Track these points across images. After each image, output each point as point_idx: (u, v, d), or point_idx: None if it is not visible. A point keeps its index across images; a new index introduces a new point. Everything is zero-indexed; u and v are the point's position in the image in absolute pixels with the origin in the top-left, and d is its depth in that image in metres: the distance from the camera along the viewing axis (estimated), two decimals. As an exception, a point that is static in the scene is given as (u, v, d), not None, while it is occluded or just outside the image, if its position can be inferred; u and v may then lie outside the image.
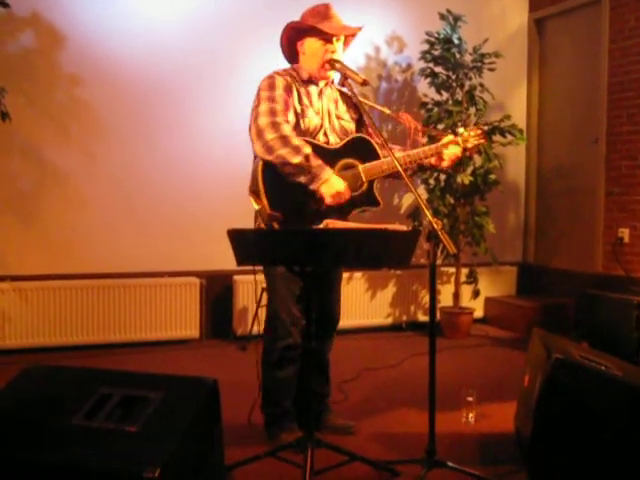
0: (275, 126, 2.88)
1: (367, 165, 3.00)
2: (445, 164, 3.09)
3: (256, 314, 4.94)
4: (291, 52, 3.18)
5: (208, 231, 5.17)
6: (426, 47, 5.63)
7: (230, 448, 2.81)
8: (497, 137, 5.60)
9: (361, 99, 3.14)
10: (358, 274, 5.72)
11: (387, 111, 3.19)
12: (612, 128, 5.71)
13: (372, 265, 4.14)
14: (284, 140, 2.85)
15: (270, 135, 2.86)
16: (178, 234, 5.29)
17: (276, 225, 2.80)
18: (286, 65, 3.22)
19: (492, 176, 5.57)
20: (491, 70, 5.61)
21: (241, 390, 3.45)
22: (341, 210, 2.94)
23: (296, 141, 2.87)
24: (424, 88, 5.86)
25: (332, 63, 3.04)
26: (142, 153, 5.22)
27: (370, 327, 5.78)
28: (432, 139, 3.14)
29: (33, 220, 4.94)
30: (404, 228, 2.54)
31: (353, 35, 3.19)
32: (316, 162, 2.86)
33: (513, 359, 4.79)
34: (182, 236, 5.30)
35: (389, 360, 4.76)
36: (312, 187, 2.86)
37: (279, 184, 2.88)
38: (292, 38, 3.14)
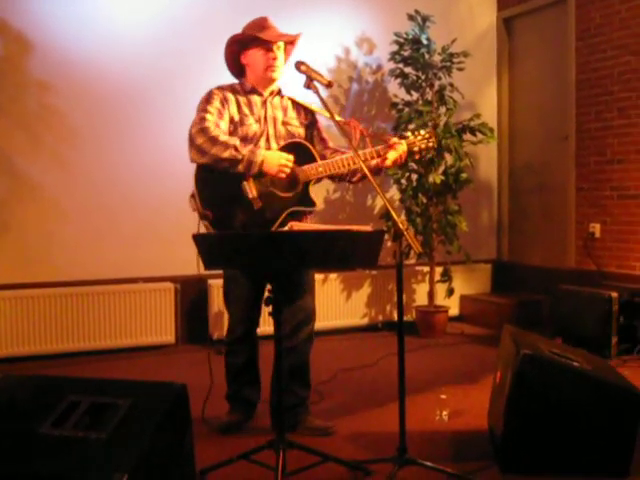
0: (204, 131, 3.09)
1: (303, 167, 3.14)
2: (388, 163, 3.16)
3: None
4: (236, 66, 3.35)
5: (182, 236, 5.10)
6: (395, 48, 5.66)
7: (204, 451, 2.83)
8: (468, 136, 5.65)
9: (308, 104, 3.35)
10: (333, 275, 5.74)
11: (337, 117, 3.24)
12: (581, 125, 5.78)
13: (338, 266, 4.21)
14: (213, 140, 3.06)
15: (200, 139, 3.08)
16: (152, 239, 5.27)
17: (207, 223, 3.06)
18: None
19: (464, 175, 5.61)
20: (460, 70, 5.65)
21: (216, 394, 3.45)
22: (274, 210, 3.11)
23: (223, 137, 3.07)
24: (394, 89, 5.89)
25: (297, 66, 3.07)
26: (115, 158, 5.19)
27: (346, 328, 5.79)
28: (378, 142, 3.23)
29: (6, 229, 4.89)
30: (369, 229, 2.55)
31: (292, 43, 3.36)
32: (246, 149, 3.05)
33: (488, 356, 4.82)
34: (156, 241, 5.28)
35: (365, 360, 4.78)
36: (253, 172, 3.04)
37: (211, 185, 3.11)
38: (235, 53, 3.32)
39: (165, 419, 2.03)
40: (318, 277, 5.60)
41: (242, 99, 3.26)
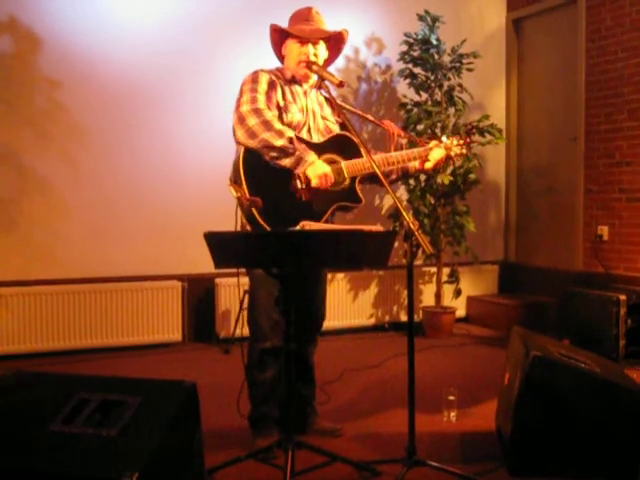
0: (257, 112, 2.91)
1: (350, 162, 3.02)
2: (429, 165, 3.12)
3: (238, 317, 4.94)
4: (280, 54, 3.26)
5: (189, 234, 5.15)
6: (405, 48, 5.66)
7: (212, 451, 2.83)
8: (476, 137, 5.62)
9: (341, 103, 3.20)
10: (340, 275, 5.74)
11: (370, 117, 3.22)
12: (590, 127, 5.76)
13: (349, 266, 4.17)
14: (267, 124, 2.88)
15: (252, 120, 2.89)
16: (160, 238, 5.28)
17: (255, 211, 2.80)
18: (267, 66, 3.26)
19: (472, 176, 5.61)
20: (469, 70, 5.65)
21: (224, 393, 3.45)
22: (322, 203, 2.96)
23: (279, 125, 2.90)
24: (403, 89, 5.89)
25: (309, 65, 3.06)
26: (123, 156, 5.20)
27: (353, 328, 5.79)
28: (413, 145, 3.19)
29: (14, 225, 4.90)
30: (380, 229, 2.55)
31: (340, 40, 3.24)
32: (300, 145, 2.90)
33: (495, 358, 4.81)
34: (164, 240, 5.29)
35: (372, 361, 4.77)
36: (297, 170, 2.88)
37: (260, 172, 2.90)
38: (276, 41, 3.22)
39: (175, 417, 2.02)
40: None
41: (286, 87, 3.13)
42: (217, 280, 5.30)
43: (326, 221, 2.95)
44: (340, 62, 5.88)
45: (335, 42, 3.25)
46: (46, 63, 4.96)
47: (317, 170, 2.88)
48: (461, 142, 3.16)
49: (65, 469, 1.84)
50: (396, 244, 5.47)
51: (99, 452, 1.88)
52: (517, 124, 6.63)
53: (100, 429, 1.95)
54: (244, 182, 2.86)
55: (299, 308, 2.73)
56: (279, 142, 2.85)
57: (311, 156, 2.90)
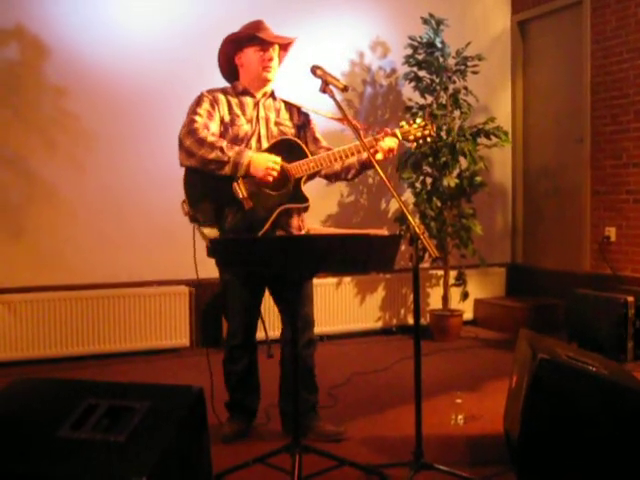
0: (191, 132, 3.10)
1: (293, 164, 3.13)
2: (379, 156, 3.13)
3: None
4: (229, 68, 3.37)
5: (197, 240, 5.15)
6: (409, 52, 5.66)
7: (219, 456, 2.83)
8: (482, 139, 5.64)
9: (300, 105, 3.37)
10: (347, 279, 5.74)
11: (329, 115, 3.27)
12: (596, 128, 5.75)
13: (355, 270, 4.20)
14: (200, 142, 3.06)
15: (188, 141, 3.09)
16: (167, 243, 5.28)
17: (198, 227, 3.12)
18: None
19: (478, 178, 5.61)
20: (474, 73, 5.65)
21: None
22: (266, 208, 3.10)
23: (211, 138, 3.07)
24: (408, 92, 5.89)
25: (313, 69, 3.07)
26: (130, 162, 5.22)
27: (360, 331, 5.79)
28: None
29: (22, 232, 4.93)
30: (385, 233, 2.55)
31: (285, 49, 3.38)
32: (233, 151, 3.05)
33: (503, 360, 4.80)
34: (171, 245, 5.28)
35: (379, 364, 4.77)
36: (239, 175, 3.05)
37: (201, 188, 3.13)
38: (230, 53, 3.34)
39: (183, 422, 2.03)
40: (332, 281, 5.61)
41: (233, 100, 3.27)
42: (224, 285, 5.30)
43: (272, 223, 3.08)
44: (345, 66, 5.89)
45: (280, 50, 3.37)
46: (53, 70, 4.98)
47: (258, 168, 3.05)
48: (422, 124, 3.20)
49: (73, 475, 1.85)
50: (403, 247, 5.49)
51: (107, 458, 1.89)
52: (523, 126, 6.63)
53: (108, 434, 1.96)
54: (187, 200, 3.16)
55: (290, 310, 2.86)
56: (212, 155, 3.03)
57: (246, 157, 3.05)
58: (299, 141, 3.23)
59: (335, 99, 3.06)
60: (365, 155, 3.17)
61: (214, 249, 2.46)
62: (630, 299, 4.68)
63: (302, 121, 3.38)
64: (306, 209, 3.24)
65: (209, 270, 4.88)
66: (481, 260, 5.73)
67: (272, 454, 2.81)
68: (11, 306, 4.77)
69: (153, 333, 5.16)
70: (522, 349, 3.14)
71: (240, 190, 3.06)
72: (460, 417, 3.52)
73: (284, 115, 3.35)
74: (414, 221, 2.53)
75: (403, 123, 3.25)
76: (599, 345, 4.56)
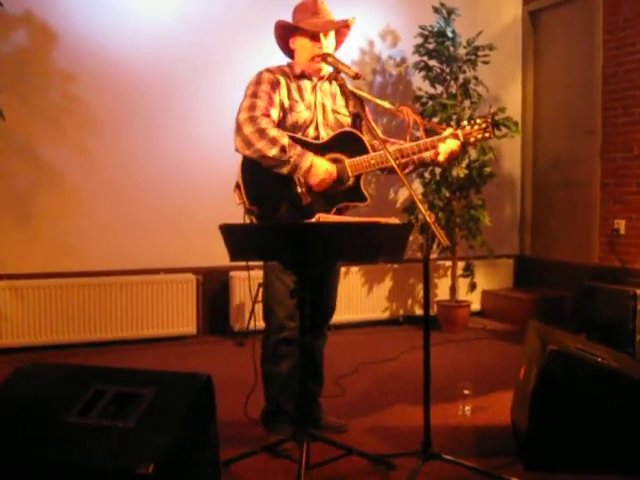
0: (253, 120, 2.90)
1: (354, 160, 2.96)
2: (441, 158, 2.98)
3: (252, 310, 4.94)
4: (287, 49, 3.19)
5: (204, 227, 5.13)
6: (420, 41, 5.63)
7: (227, 443, 2.82)
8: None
9: (357, 91, 3.13)
10: (354, 269, 5.73)
11: (387, 105, 3.11)
12: (607, 120, 5.71)
13: (365, 259, 4.13)
14: (261, 133, 2.87)
15: (248, 129, 2.88)
16: (174, 231, 5.29)
17: (253, 219, 2.88)
18: (282, 59, 3.22)
19: (487, 169, 5.58)
20: (485, 63, 5.61)
21: (238, 385, 3.44)
22: (324, 205, 2.93)
23: (273, 132, 2.88)
24: (418, 82, 5.85)
25: (324, 57, 3.03)
26: (138, 149, 5.21)
27: (367, 321, 5.79)
28: (432, 133, 3.05)
29: (29, 218, 4.93)
30: (397, 221, 2.53)
31: (346, 27, 3.19)
32: (294, 151, 2.87)
33: (510, 352, 4.79)
34: (178, 233, 5.29)
35: (387, 354, 4.76)
36: (297, 176, 2.88)
37: (259, 177, 2.92)
38: (284, 36, 3.15)
39: (190, 409, 2.02)
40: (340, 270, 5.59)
41: (292, 84, 3.08)
42: (232, 273, 5.31)
43: None
44: (355, 55, 5.86)
45: (340, 28, 3.19)
46: (61, 57, 4.97)
47: (315, 175, 2.87)
48: (483, 126, 2.98)
49: (81, 460, 1.85)
50: (410, 238, 5.47)
51: (115, 443, 1.88)
52: (533, 117, 6.59)
53: (116, 420, 1.95)
54: (243, 189, 2.93)
55: (313, 301, 2.71)
56: (272, 152, 2.84)
57: (307, 160, 2.87)
58: (361, 135, 3.04)
59: (347, 88, 3.05)
60: (427, 154, 3.00)
61: (224, 236, 2.42)
62: (639, 292, 4.65)
63: (358, 108, 3.15)
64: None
65: (216, 259, 4.92)
66: (489, 251, 5.70)
67: (280, 442, 2.81)
68: (19, 292, 4.78)
69: (160, 321, 5.16)
70: (531, 341, 3.13)
71: (301, 184, 2.89)
72: (467, 408, 3.51)
73: (340, 102, 3.18)
74: (425, 210, 2.50)
75: (465, 123, 3.03)
76: (607, 338, 4.52)
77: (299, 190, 2.90)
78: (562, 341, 2.94)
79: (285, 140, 2.87)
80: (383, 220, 2.46)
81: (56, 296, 4.88)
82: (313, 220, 2.55)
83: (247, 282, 5.21)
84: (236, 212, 3.10)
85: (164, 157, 5.26)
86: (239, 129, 2.91)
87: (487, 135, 3.01)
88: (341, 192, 2.97)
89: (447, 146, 2.95)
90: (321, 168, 2.89)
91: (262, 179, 2.92)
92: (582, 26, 5.99)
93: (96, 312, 4.98)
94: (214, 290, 5.43)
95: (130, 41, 5.13)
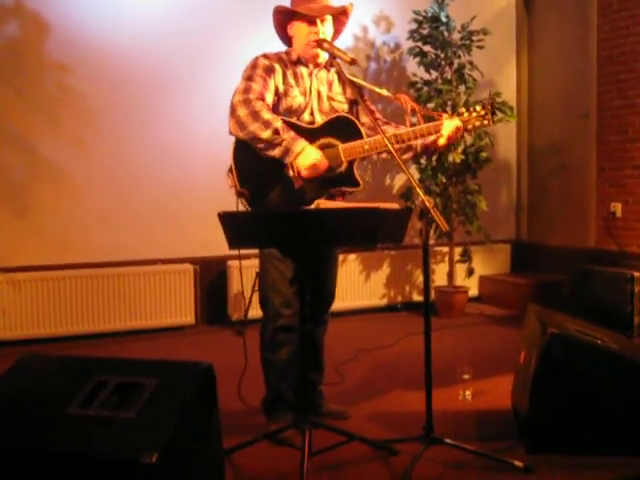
0: (247, 102, 2.89)
1: (348, 144, 2.94)
2: (442, 141, 2.96)
3: (250, 299, 4.94)
4: (284, 35, 3.18)
5: (201, 217, 5.13)
6: (414, 26, 5.61)
7: (228, 432, 2.82)
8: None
9: (354, 79, 3.12)
10: (352, 256, 5.73)
11: (385, 92, 3.10)
12: (602, 103, 5.70)
13: (365, 244, 4.09)
14: (255, 115, 2.86)
15: (242, 111, 2.88)
16: (171, 221, 5.27)
17: (244, 203, 2.89)
18: (278, 47, 3.20)
19: (483, 154, 5.57)
20: (480, 48, 5.59)
21: (238, 375, 3.44)
22: (316, 190, 2.92)
23: (267, 115, 2.87)
24: (413, 67, 5.84)
25: (320, 42, 3.01)
26: (134, 140, 5.19)
27: (365, 308, 5.79)
28: (430, 120, 3.03)
29: (26, 211, 4.91)
30: (396, 206, 2.52)
31: (344, 14, 3.17)
32: (288, 135, 2.86)
33: (508, 336, 4.80)
34: (175, 223, 5.28)
35: (385, 340, 4.77)
36: (286, 161, 2.86)
37: (251, 161, 2.92)
38: (281, 22, 3.14)
39: (193, 399, 2.02)
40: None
41: (288, 70, 3.07)
42: (229, 262, 5.30)
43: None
44: (348, 41, 5.83)
45: (339, 16, 3.17)
46: (54, 48, 4.93)
47: (306, 160, 2.85)
48: (482, 112, 2.97)
49: (84, 451, 1.84)
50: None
51: (118, 434, 1.88)
52: (528, 101, 6.58)
53: (118, 411, 1.95)
54: (234, 172, 2.93)
55: (313, 288, 2.71)
56: (265, 134, 2.83)
57: (299, 145, 2.85)
58: (355, 120, 3.02)
59: (343, 73, 3.03)
60: (430, 139, 2.98)
61: (222, 223, 2.41)
62: (636, 274, 4.67)
63: (355, 95, 3.11)
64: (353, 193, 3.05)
65: (214, 248, 4.91)
66: (486, 237, 5.71)
67: (281, 430, 2.81)
68: (16, 285, 4.77)
69: (158, 311, 5.16)
70: (531, 324, 3.13)
71: (293, 168, 2.87)
72: (467, 392, 3.52)
73: (337, 89, 3.16)
74: (423, 195, 2.49)
75: (462, 110, 3.02)
76: (605, 321, 4.53)
77: (291, 174, 2.89)
78: (562, 324, 2.94)
79: (278, 123, 2.86)
80: (383, 205, 2.45)
81: (53, 288, 4.87)
82: (312, 206, 2.54)
83: (245, 271, 5.17)
84: (233, 202, 3.09)
85: (160, 147, 5.24)
86: (233, 111, 2.91)
87: (486, 122, 2.99)
88: (334, 177, 2.95)
89: (448, 128, 2.93)
90: (311, 157, 2.86)
91: (254, 163, 2.92)
92: (576, 9, 5.97)
93: (94, 304, 4.97)
94: (212, 280, 5.43)
95: (125, 30, 5.09)
